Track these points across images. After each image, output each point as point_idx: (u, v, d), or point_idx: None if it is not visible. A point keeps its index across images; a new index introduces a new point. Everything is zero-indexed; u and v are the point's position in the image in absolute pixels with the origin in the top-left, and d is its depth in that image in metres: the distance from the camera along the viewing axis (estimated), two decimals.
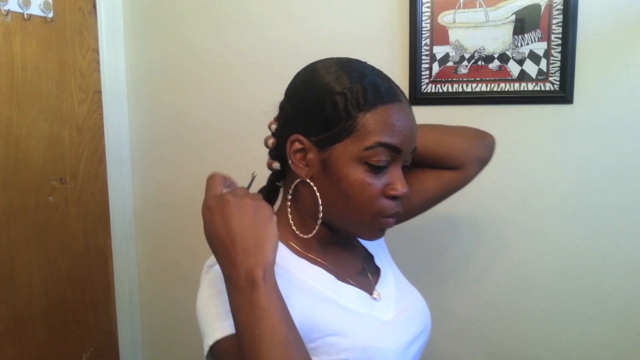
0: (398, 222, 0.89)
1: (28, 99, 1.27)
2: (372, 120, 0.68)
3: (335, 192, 0.70)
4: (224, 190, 0.64)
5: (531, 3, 1.15)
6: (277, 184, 0.80)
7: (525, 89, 1.18)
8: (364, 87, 0.69)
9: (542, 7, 1.14)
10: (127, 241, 1.59)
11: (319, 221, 0.73)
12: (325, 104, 0.69)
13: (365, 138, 0.68)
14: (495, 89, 1.20)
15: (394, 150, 0.69)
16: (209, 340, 0.63)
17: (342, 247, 0.81)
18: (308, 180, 0.72)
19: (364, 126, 0.68)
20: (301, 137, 0.71)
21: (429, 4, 1.21)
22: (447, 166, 0.88)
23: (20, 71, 1.25)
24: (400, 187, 0.70)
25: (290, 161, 0.72)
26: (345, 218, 0.72)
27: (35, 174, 1.30)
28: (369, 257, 0.85)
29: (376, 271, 0.83)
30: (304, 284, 0.70)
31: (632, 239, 1.16)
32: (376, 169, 0.69)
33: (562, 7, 1.13)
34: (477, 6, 1.18)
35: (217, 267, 0.64)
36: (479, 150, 0.89)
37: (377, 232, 0.74)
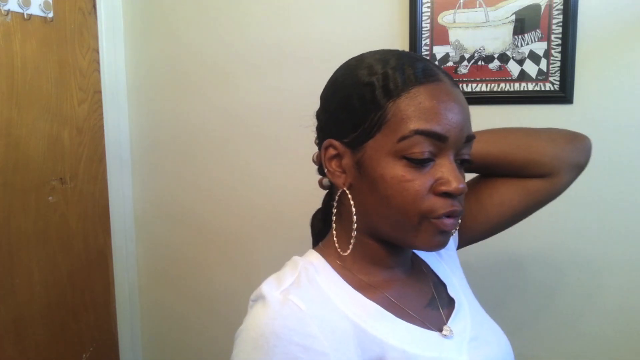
0: (477, 239, 0.80)
1: (28, 99, 1.27)
2: (405, 106, 0.58)
3: (375, 196, 0.60)
4: None
5: (531, 3, 1.15)
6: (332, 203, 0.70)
7: (525, 89, 1.18)
8: (394, 71, 0.60)
9: (542, 7, 1.14)
10: (127, 241, 1.59)
11: (354, 233, 0.63)
12: (352, 99, 0.61)
13: (399, 127, 0.58)
14: (495, 89, 1.20)
15: (436, 139, 0.58)
16: None
17: (408, 274, 0.69)
18: (344, 188, 0.63)
19: (395, 114, 0.58)
20: (334, 142, 0.63)
21: (429, 4, 1.21)
22: (532, 174, 0.76)
23: (20, 71, 1.25)
24: (454, 182, 0.58)
25: (326, 170, 0.64)
26: (392, 225, 0.61)
27: (35, 174, 1.30)
28: (442, 286, 0.73)
29: (449, 303, 0.70)
30: (350, 328, 0.58)
31: (631, 239, 1.16)
32: (418, 163, 0.58)
33: (562, 7, 1.13)
34: (477, 6, 1.18)
35: (260, 324, 0.55)
36: (570, 155, 0.76)
37: (435, 237, 0.60)
